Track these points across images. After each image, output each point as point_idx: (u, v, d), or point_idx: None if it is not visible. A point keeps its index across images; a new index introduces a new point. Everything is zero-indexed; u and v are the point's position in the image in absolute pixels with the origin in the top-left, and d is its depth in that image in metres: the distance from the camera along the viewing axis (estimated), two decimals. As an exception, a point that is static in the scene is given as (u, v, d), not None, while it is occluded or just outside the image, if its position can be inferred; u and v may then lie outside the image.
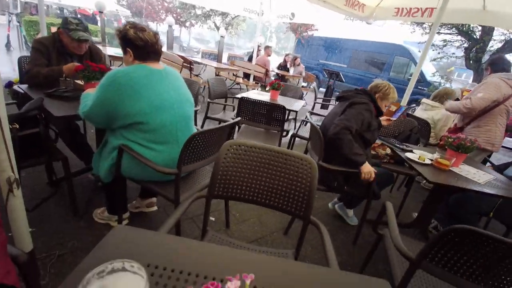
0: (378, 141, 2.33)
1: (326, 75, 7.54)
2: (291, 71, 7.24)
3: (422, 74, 8.07)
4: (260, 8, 6.25)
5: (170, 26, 10.48)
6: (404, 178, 2.87)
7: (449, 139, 1.73)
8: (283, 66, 7.52)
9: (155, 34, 1.31)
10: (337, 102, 1.98)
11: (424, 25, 9.26)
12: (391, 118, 2.08)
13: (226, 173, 1.09)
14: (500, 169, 2.12)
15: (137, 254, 0.59)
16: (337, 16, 5.66)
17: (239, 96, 2.70)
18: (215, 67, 6.13)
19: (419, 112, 2.99)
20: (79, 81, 1.82)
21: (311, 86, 7.93)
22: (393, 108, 2.06)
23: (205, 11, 18.62)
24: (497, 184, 1.65)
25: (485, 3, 3.38)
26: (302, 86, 7.08)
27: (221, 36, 9.02)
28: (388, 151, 2.36)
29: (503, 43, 7.93)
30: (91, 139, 2.24)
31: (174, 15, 20.15)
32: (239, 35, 24.91)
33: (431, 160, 1.76)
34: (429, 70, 9.13)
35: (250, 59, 7.29)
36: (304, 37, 13.14)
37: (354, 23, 10.54)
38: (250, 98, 2.55)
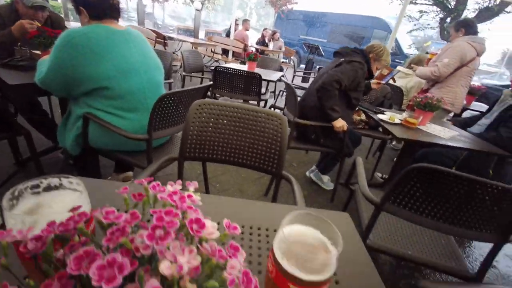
0: None
1: (306, 50, 7.43)
2: (270, 46, 7.08)
3: (399, 47, 8.11)
4: (236, -22, 5.94)
5: (140, -1, 9.77)
6: (379, 144, 2.98)
7: (417, 99, 1.80)
8: (261, 41, 7.33)
9: None
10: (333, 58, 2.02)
11: (402, -4, 9.23)
12: (381, 82, 2.11)
13: (197, 133, 1.07)
14: (466, 123, 2.21)
15: (93, 200, 0.58)
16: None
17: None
18: (191, 43, 5.87)
19: (394, 79, 3.05)
20: (36, 51, 1.68)
21: (290, 61, 7.82)
22: (385, 71, 2.09)
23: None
24: (461, 139, 1.75)
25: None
26: (282, 62, 6.97)
27: (196, 10, 8.57)
28: (363, 117, 2.42)
29: (476, 12, 8.11)
30: (59, 118, 2.12)
31: (145, -11, 18.73)
32: (216, 11, 23.80)
33: (401, 120, 1.82)
34: (405, 42, 9.21)
35: (228, 35, 7.03)
36: (284, 11, 12.75)
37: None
38: (225, 68, 2.48)
